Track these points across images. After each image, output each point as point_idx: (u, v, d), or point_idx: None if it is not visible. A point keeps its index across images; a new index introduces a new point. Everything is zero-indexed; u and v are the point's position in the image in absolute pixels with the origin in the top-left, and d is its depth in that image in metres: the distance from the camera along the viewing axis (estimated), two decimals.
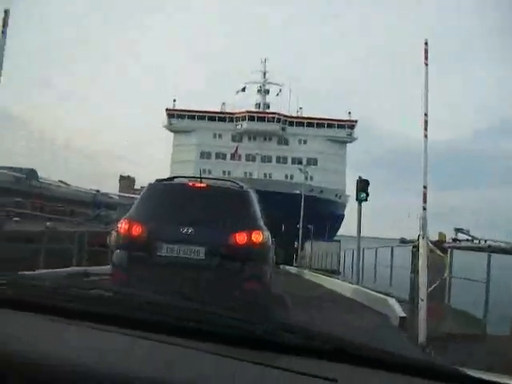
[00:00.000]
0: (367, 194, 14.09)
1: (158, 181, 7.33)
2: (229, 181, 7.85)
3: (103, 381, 0.97)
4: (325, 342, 1.23)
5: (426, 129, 7.71)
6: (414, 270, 10.35)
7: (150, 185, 7.30)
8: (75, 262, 14.65)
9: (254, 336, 1.23)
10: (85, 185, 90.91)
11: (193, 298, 1.60)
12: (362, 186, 14.07)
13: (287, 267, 36.63)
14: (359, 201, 14.09)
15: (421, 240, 7.86)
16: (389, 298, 10.59)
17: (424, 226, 7.73)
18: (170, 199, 6.98)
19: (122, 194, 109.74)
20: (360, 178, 14.19)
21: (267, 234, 6.89)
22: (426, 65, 7.78)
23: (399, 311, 9.37)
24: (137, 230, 6.56)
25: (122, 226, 6.69)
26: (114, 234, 7.17)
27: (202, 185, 7.07)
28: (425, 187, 7.64)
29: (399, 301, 10.38)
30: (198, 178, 7.31)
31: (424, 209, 7.67)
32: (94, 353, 1.09)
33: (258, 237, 6.63)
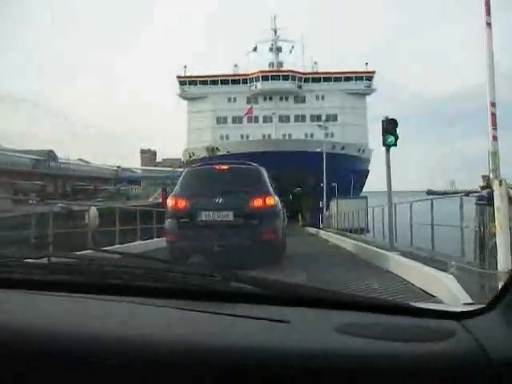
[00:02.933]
0: (396, 138, 11.35)
1: (192, 167, 10.11)
2: (245, 164, 9.86)
3: (85, 344, 1.01)
4: (277, 289, 1.37)
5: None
6: (483, 227, 7.97)
7: (187, 170, 9.97)
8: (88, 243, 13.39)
9: (208, 288, 1.36)
10: (106, 162, 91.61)
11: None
12: (390, 127, 11.38)
13: (309, 228, 35.54)
14: (387, 146, 11.46)
15: (495, 185, 5.75)
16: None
17: (495, 164, 5.77)
18: (202, 179, 9.39)
19: (144, 167, 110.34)
20: (386, 118, 11.48)
21: (277, 198, 9.33)
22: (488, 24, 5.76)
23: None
24: (181, 203, 9.00)
25: (171, 201, 9.20)
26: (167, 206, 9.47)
27: (225, 167, 9.55)
28: (493, 104, 5.67)
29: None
30: (221, 162, 9.91)
31: (494, 138, 5.80)
32: (70, 319, 1.16)
33: (270, 200, 9.00)
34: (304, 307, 1.28)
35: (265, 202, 8.86)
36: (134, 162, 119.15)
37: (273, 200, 9.06)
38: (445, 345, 1.04)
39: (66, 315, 1.18)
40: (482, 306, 1.19)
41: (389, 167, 11.66)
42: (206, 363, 0.95)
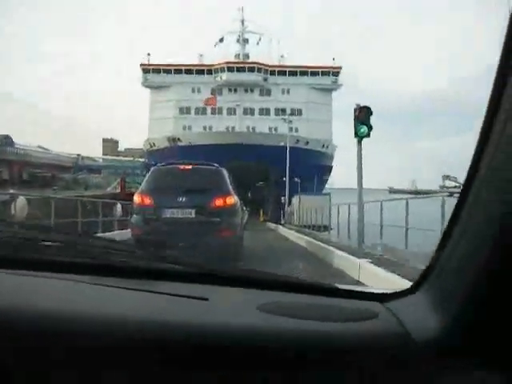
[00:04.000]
0: (369, 128, 10.15)
1: (158, 166, 10.27)
2: (208, 164, 10.19)
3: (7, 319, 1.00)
4: (197, 268, 1.40)
5: None
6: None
7: (153, 169, 10.22)
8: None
9: (130, 265, 1.38)
10: (67, 150, 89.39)
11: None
12: (362, 116, 10.14)
13: (269, 224, 35.10)
14: (359, 137, 10.29)
15: None
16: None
17: None
18: (167, 178, 9.75)
19: (105, 156, 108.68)
20: (358, 105, 10.22)
21: (236, 198, 9.90)
22: None
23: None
24: (147, 200, 9.40)
25: (137, 198, 9.58)
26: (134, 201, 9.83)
27: (189, 167, 9.90)
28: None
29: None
30: (185, 163, 10.05)
31: None
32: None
33: (230, 200, 9.47)
34: (225, 286, 1.31)
35: (225, 201, 9.36)
36: (96, 152, 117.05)
37: (233, 199, 9.57)
38: (368, 325, 1.06)
39: None
40: (406, 288, 1.20)
41: (360, 161, 10.74)
42: (126, 337, 0.96)
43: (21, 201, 14.88)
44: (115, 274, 1.30)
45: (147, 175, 10.20)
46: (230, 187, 9.83)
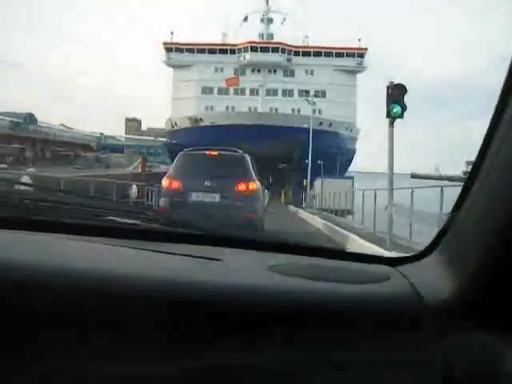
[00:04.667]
0: (403, 108, 9.29)
1: (185, 151, 10.63)
2: (233, 150, 10.77)
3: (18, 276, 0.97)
4: (209, 230, 1.47)
5: None
6: None
7: (181, 154, 10.59)
8: None
9: (143, 228, 1.42)
10: (90, 128, 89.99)
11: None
12: (396, 94, 9.29)
13: (290, 206, 34.56)
14: (392, 118, 9.49)
15: None
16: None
17: None
18: (194, 163, 10.22)
19: (127, 136, 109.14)
20: (391, 83, 9.37)
21: (258, 183, 10.44)
22: None
23: None
24: (175, 184, 9.92)
25: (166, 182, 10.10)
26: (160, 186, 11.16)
27: (215, 153, 10.46)
28: None
29: None
30: (211, 149, 10.61)
31: None
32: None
33: (252, 185, 10.03)
34: (238, 248, 1.36)
35: (248, 186, 9.95)
36: (119, 130, 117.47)
37: (255, 185, 10.18)
38: (379, 287, 1.08)
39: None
40: (417, 252, 1.21)
41: (392, 144, 10.06)
42: (141, 296, 0.97)
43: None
44: (129, 236, 1.32)
45: (175, 160, 10.75)
46: (253, 173, 10.44)
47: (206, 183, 9.76)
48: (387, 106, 9.55)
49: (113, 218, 1.48)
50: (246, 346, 0.96)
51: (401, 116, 9.59)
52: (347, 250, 1.31)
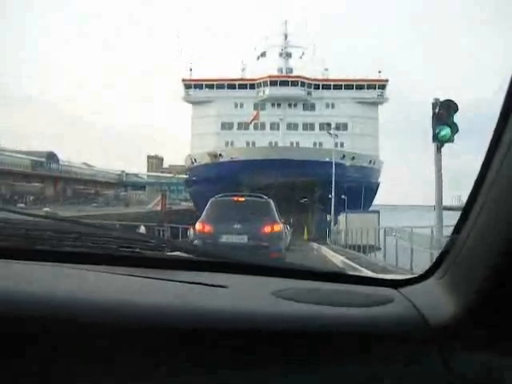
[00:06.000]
0: (454, 130, 7.79)
1: (216, 198, 11.94)
2: (258, 196, 12.29)
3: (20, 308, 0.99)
4: (213, 256, 1.49)
5: None
6: None
7: (212, 201, 11.90)
8: None
9: (147, 255, 1.43)
10: (111, 166, 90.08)
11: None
12: (444, 114, 7.81)
13: (313, 244, 33.21)
14: (439, 142, 8.09)
15: None
16: None
17: None
18: (224, 208, 11.58)
19: (148, 173, 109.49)
20: (437, 100, 7.83)
21: (282, 225, 12.18)
22: None
23: None
24: (207, 227, 11.23)
25: (199, 225, 11.42)
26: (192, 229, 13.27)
27: (242, 199, 12.07)
28: None
29: None
30: (238, 195, 12.47)
31: None
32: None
33: (276, 227, 11.34)
34: (241, 274, 1.36)
35: (273, 228, 11.05)
36: (141, 167, 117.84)
37: (279, 227, 11.39)
38: (383, 310, 1.09)
39: None
40: (419, 274, 1.23)
41: (439, 173, 8.67)
42: (148, 324, 0.98)
43: None
44: (134, 264, 1.33)
45: (207, 206, 11.90)
46: (277, 216, 11.64)
47: (235, 226, 10.89)
48: (433, 129, 8.14)
49: (117, 246, 1.46)
50: (252, 372, 0.96)
51: (451, 139, 8.10)
52: (349, 273, 1.32)
